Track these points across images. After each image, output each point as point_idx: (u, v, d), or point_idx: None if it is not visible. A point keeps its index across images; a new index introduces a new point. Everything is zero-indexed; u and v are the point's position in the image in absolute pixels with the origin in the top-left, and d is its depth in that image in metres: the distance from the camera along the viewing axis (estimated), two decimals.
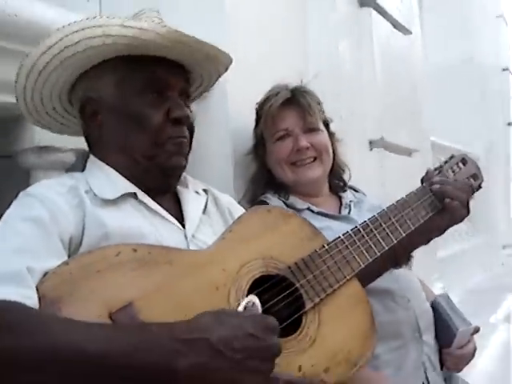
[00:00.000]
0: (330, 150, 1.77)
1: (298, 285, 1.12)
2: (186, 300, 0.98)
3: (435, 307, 1.74)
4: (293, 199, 1.73)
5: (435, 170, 1.59)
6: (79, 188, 1.12)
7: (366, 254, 1.25)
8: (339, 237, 1.23)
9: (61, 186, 1.11)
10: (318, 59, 2.54)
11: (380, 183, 2.86)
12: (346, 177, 1.88)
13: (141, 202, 1.17)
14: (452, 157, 1.64)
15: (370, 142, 3.02)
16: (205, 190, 1.34)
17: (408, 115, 3.53)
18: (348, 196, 1.82)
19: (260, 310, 1.02)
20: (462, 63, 6.58)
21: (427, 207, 1.44)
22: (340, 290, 1.18)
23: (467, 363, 1.72)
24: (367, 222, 1.30)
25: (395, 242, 1.32)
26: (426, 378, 1.62)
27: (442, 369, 1.69)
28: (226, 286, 1.04)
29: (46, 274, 0.94)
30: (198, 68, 1.31)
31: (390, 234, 1.32)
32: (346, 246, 1.22)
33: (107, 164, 1.20)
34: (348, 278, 1.19)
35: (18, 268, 0.92)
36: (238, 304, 1.03)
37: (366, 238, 1.27)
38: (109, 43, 1.11)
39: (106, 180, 1.17)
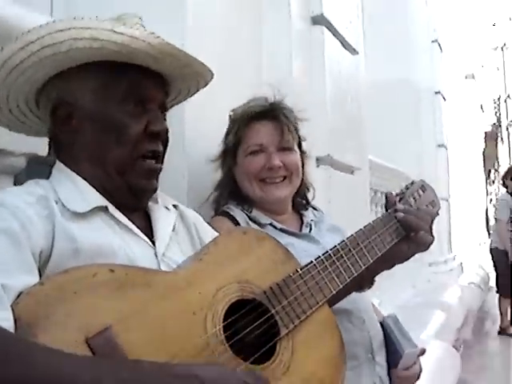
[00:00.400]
0: (301, 171, 1.76)
1: (273, 311, 1.10)
2: (163, 325, 0.95)
3: (383, 328, 1.75)
4: (256, 213, 1.71)
5: (397, 195, 1.60)
6: (49, 198, 1.05)
7: (337, 279, 1.24)
8: (312, 262, 1.22)
9: (29, 195, 1.04)
10: (272, 74, 2.53)
11: (326, 200, 2.87)
12: (309, 196, 1.87)
13: (112, 216, 1.11)
14: (412, 183, 1.66)
15: (317, 159, 3.04)
16: (174, 206, 1.29)
17: (353, 133, 3.59)
18: (309, 215, 1.82)
19: None
20: (398, 84, 6.76)
21: (392, 234, 1.46)
22: (311, 315, 1.16)
23: None
24: (337, 247, 1.30)
25: (363, 268, 1.33)
26: None
27: None
28: (202, 310, 1.01)
29: (20, 292, 0.87)
30: (180, 82, 1.26)
31: (358, 260, 1.32)
32: (318, 271, 1.21)
33: (77, 173, 1.13)
34: (320, 304, 1.18)
35: None
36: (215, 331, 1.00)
37: (337, 263, 1.27)
38: (96, 47, 1.06)
39: (76, 191, 1.10)
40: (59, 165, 1.17)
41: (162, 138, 1.19)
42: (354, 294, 1.60)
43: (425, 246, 1.50)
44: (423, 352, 1.75)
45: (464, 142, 11.31)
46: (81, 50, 1.06)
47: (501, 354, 5.95)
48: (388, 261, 1.49)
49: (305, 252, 1.41)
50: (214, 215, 1.73)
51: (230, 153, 1.74)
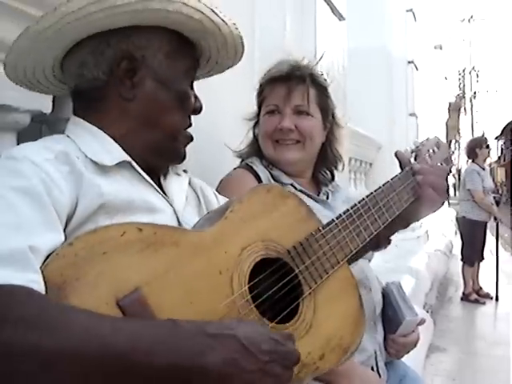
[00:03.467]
0: (317, 138, 1.73)
1: (297, 271, 1.09)
2: (191, 285, 0.93)
3: (386, 293, 1.76)
4: (278, 172, 1.70)
5: (412, 152, 1.56)
6: (69, 153, 0.99)
7: (357, 238, 1.23)
8: (333, 220, 1.21)
9: (47, 150, 0.98)
10: (265, 38, 2.51)
11: None
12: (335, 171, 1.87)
13: (135, 173, 1.08)
14: (427, 139, 1.63)
15: None
16: (184, 171, 1.28)
17: (337, 102, 3.57)
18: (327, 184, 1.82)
19: None
20: (372, 52, 6.75)
21: (409, 192, 1.44)
22: (332, 274, 1.16)
23: (408, 352, 1.78)
24: (358, 205, 1.28)
25: (382, 227, 1.31)
26: (376, 364, 1.67)
27: None
28: (228, 270, 1.00)
29: (48, 252, 0.84)
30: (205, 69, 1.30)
31: (377, 218, 1.31)
32: (340, 230, 1.20)
33: (100, 128, 1.09)
34: (341, 263, 1.18)
35: (19, 247, 0.80)
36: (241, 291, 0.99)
37: (357, 222, 1.25)
38: (197, 18, 1.08)
39: (97, 144, 1.06)
40: (76, 119, 1.12)
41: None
42: (362, 264, 1.61)
43: (441, 204, 1.48)
44: (423, 321, 1.77)
45: (429, 111, 11.43)
46: (177, 14, 1.06)
47: (463, 319, 6.13)
48: (404, 219, 1.47)
49: (321, 217, 1.40)
50: (237, 167, 1.73)
51: (257, 112, 1.77)
